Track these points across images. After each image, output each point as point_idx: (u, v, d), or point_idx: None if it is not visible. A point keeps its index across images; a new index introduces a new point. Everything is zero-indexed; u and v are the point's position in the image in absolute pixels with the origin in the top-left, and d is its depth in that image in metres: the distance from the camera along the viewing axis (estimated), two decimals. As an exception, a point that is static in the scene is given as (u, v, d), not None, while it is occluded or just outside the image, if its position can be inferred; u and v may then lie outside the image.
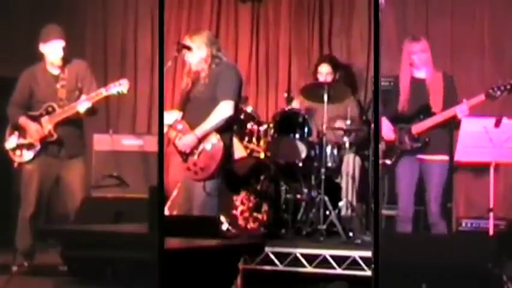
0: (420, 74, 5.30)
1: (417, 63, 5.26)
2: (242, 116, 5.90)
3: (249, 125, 5.95)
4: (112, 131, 6.66)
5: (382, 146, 5.35)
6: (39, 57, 5.51)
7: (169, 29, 7.17)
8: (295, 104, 6.15)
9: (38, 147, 5.38)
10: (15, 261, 5.37)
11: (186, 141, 4.97)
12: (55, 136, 5.37)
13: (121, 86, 5.31)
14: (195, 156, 4.96)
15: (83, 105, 5.33)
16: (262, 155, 5.93)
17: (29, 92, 5.48)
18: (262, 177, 5.78)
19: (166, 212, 5.36)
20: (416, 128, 5.20)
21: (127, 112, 7.43)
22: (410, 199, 5.27)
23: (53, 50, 5.41)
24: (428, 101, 5.19)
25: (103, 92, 5.33)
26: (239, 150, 5.78)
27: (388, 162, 5.30)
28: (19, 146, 5.43)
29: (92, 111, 5.40)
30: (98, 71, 7.33)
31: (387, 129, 5.27)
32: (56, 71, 5.48)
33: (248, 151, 5.99)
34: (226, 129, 5.00)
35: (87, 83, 5.47)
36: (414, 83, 5.27)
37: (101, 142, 6.54)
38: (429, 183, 5.20)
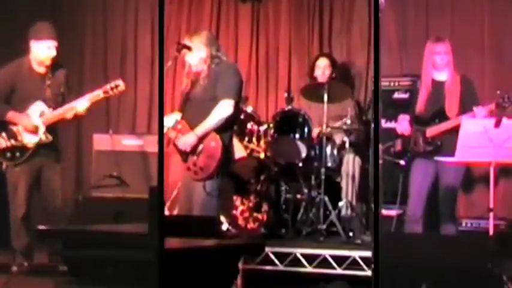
0: (440, 76, 5.29)
1: (439, 63, 5.23)
2: (242, 116, 5.89)
3: (249, 125, 5.95)
4: (112, 131, 6.66)
5: (397, 146, 5.37)
6: (25, 52, 5.41)
7: (169, 29, 7.17)
8: None
9: (31, 150, 5.30)
10: (15, 261, 5.36)
11: (186, 139, 4.97)
12: (50, 138, 5.34)
13: (117, 88, 5.31)
14: (195, 156, 4.96)
15: (82, 104, 5.29)
16: (262, 155, 5.93)
17: (11, 88, 5.37)
18: (262, 177, 5.78)
19: (166, 212, 5.36)
20: (431, 131, 5.21)
21: (127, 112, 7.43)
22: (420, 200, 5.27)
23: (45, 49, 5.33)
24: (444, 105, 5.19)
25: (100, 93, 5.31)
26: (239, 150, 5.78)
27: (402, 162, 5.32)
28: (9, 148, 5.33)
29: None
30: (98, 71, 7.37)
31: (405, 128, 5.28)
32: (41, 69, 5.40)
33: (248, 151, 5.99)
34: (226, 129, 5.00)
35: (67, 91, 5.43)
36: (434, 86, 5.27)
37: (101, 142, 6.54)
38: (443, 185, 5.21)
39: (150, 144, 6.42)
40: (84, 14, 7.57)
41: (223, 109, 4.94)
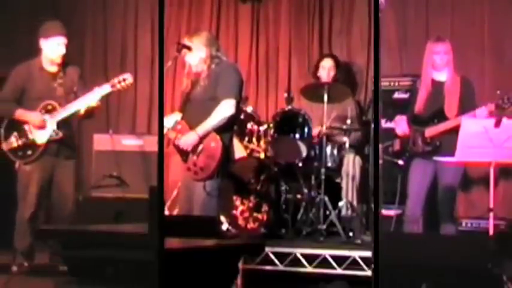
0: (440, 76, 5.29)
1: (439, 63, 5.23)
2: (242, 116, 5.89)
3: (249, 125, 5.95)
4: (112, 131, 6.66)
5: (396, 145, 5.37)
6: (36, 53, 5.41)
7: (169, 29, 7.17)
8: None
9: (42, 147, 5.28)
10: (15, 261, 5.35)
11: (187, 139, 4.96)
12: (61, 135, 5.32)
13: (125, 81, 5.27)
14: (195, 156, 4.96)
15: (93, 98, 5.24)
16: (262, 155, 5.93)
17: (22, 89, 5.35)
18: (262, 177, 5.78)
19: (166, 212, 5.35)
20: (430, 131, 5.20)
21: (127, 112, 7.43)
22: (419, 200, 5.27)
23: (54, 46, 5.32)
24: (443, 105, 5.19)
25: (107, 87, 5.26)
26: (239, 150, 5.78)
27: (400, 162, 5.32)
28: (20, 147, 5.32)
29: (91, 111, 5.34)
30: (98, 71, 7.37)
31: (404, 129, 5.28)
32: (53, 68, 5.39)
33: (248, 151, 5.99)
34: (226, 129, 5.00)
35: (80, 90, 5.37)
36: (433, 86, 5.27)
37: (101, 142, 6.54)
38: (442, 185, 5.21)
39: (150, 144, 6.43)
40: (84, 14, 7.57)
41: (225, 109, 4.94)
